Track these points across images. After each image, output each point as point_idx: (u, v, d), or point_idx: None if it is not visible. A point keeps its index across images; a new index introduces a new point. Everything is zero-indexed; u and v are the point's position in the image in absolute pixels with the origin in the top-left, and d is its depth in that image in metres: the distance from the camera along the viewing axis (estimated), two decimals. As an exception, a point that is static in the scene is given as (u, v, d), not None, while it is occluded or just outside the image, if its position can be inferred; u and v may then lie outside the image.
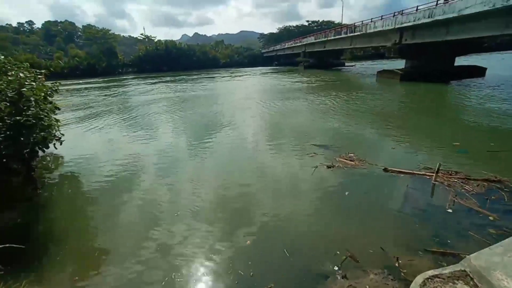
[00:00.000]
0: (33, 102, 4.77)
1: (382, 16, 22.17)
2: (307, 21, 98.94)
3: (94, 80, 45.01)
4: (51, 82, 7.82)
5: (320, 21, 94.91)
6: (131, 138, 9.46)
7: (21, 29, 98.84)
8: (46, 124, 4.63)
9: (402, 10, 19.84)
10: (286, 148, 7.50)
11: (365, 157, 6.46)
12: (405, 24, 19.47)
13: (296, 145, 7.70)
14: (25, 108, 4.72)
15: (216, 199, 4.96)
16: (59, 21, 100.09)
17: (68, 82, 41.56)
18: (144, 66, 61.22)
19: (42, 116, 4.53)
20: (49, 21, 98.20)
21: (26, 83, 5.12)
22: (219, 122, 10.78)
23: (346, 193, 4.90)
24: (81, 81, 43.02)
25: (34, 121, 4.47)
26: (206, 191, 5.25)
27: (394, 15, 20.58)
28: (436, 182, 4.97)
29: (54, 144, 7.28)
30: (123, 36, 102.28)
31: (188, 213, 4.53)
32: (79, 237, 4.19)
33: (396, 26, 20.27)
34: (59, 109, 7.64)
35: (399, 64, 27.24)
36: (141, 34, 73.76)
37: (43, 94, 6.75)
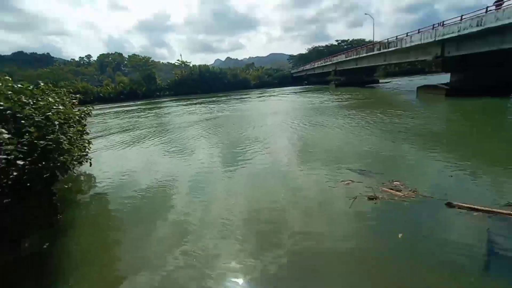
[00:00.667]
0: (57, 126, 4.77)
1: (419, 29, 20.76)
2: (337, 40, 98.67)
3: (134, 103, 48.93)
4: (85, 106, 8.30)
5: (350, 40, 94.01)
6: (163, 157, 9.43)
7: (81, 62, 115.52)
8: (66, 148, 4.55)
9: (443, 21, 18.32)
10: (317, 174, 6.54)
11: (415, 186, 5.33)
12: (447, 36, 17.83)
13: (328, 170, 6.72)
14: (50, 132, 4.72)
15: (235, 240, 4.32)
16: (110, 53, 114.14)
17: (112, 105, 45.88)
18: (180, 89, 65.36)
19: (62, 140, 4.45)
20: (103, 54, 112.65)
21: (54, 107, 5.22)
22: (244, 143, 10.34)
23: (399, 235, 3.88)
24: (122, 104, 47.09)
25: (54, 145, 4.41)
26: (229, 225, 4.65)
27: (433, 28, 19.08)
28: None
29: (90, 163, 7.51)
30: (162, 62, 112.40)
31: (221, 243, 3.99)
32: (97, 266, 3.91)
33: (437, 39, 18.67)
34: (87, 133, 7.94)
35: (440, 78, 24.91)
36: (178, 60, 79.78)
37: (75, 117, 7.12)
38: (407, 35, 22.45)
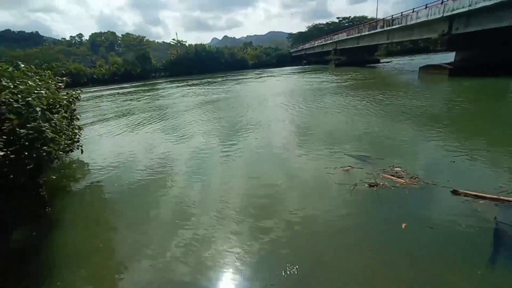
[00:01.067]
0: (39, 113, 4.41)
1: (426, 4, 19.66)
2: (338, 17, 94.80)
3: (129, 84, 47.60)
4: (73, 89, 7.84)
5: (352, 17, 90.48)
6: (159, 142, 9.14)
7: (73, 41, 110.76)
8: (50, 137, 4.22)
9: (453, -5, 17.26)
10: (316, 159, 6.31)
11: (417, 172, 5.14)
12: (457, 11, 16.89)
13: (327, 155, 6.50)
14: (31, 119, 4.36)
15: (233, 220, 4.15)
16: (103, 32, 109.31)
17: (106, 87, 44.68)
18: (176, 69, 63.47)
19: (44, 128, 4.10)
20: (95, 33, 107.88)
21: (36, 91, 4.82)
22: (241, 126, 10.01)
23: (403, 225, 3.72)
24: (117, 86, 45.82)
25: (36, 134, 4.08)
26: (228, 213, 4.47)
27: (442, 2, 18.03)
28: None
29: (82, 150, 7.25)
30: (157, 42, 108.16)
31: (218, 233, 3.80)
32: (88, 257, 3.79)
33: (445, 14, 17.72)
34: (78, 119, 7.56)
35: (444, 58, 24.07)
36: (173, 40, 76.79)
37: (62, 102, 6.71)
38: (413, 11, 21.32)
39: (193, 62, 64.84)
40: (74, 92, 7.53)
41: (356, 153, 6.42)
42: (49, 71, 7.07)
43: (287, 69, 54.56)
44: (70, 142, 6.20)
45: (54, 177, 6.00)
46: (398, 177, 5.01)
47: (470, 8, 16.03)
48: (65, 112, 6.38)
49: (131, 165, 7.18)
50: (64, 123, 5.32)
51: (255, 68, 66.23)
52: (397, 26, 23.72)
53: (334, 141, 7.48)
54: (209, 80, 40.33)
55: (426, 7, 19.70)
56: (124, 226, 4.48)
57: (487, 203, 4.06)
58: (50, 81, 6.72)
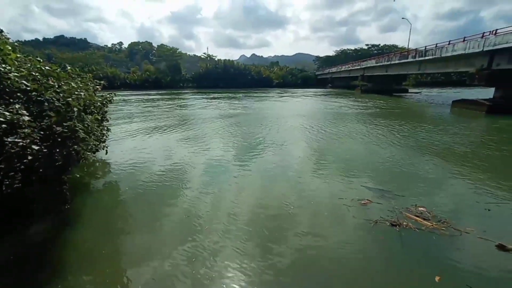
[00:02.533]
0: (75, 113, 4.59)
1: (464, 37, 19.06)
2: (367, 44, 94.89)
3: (157, 92, 50.03)
4: (108, 92, 8.25)
5: (381, 45, 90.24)
6: (179, 149, 9.29)
7: (113, 48, 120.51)
8: (81, 137, 4.35)
9: (496, 30, 16.62)
10: (331, 189, 5.89)
11: (444, 215, 4.63)
12: (499, 46, 16.15)
13: (343, 184, 6.10)
14: (67, 118, 4.54)
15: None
16: (140, 41, 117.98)
17: (136, 93, 47.26)
18: (203, 82, 66.05)
19: (78, 128, 4.24)
20: (133, 42, 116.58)
21: (76, 93, 5.06)
22: (257, 143, 9.89)
23: (437, 278, 3.26)
24: (146, 92, 48.28)
25: (70, 133, 4.21)
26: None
27: (483, 36, 17.39)
28: None
29: (106, 151, 7.52)
30: (188, 54, 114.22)
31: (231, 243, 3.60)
32: (101, 256, 3.79)
33: (485, 49, 17.01)
34: (107, 120, 7.86)
35: (479, 93, 22.86)
36: (204, 53, 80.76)
37: (96, 103, 7.05)
38: (449, 43, 20.74)
39: (220, 76, 67.25)
40: (108, 95, 7.91)
41: (374, 186, 6.00)
42: (90, 74, 7.53)
43: (312, 90, 54.70)
44: (98, 143, 6.39)
45: (78, 175, 6.16)
46: (424, 219, 4.54)
47: (515, 44, 15.28)
48: (98, 113, 6.66)
49: (149, 169, 7.27)
50: (95, 124, 5.52)
51: (280, 87, 67.18)
52: (431, 57, 23.13)
53: (351, 170, 7.06)
54: (234, 95, 41.37)
55: (464, 40, 19.09)
56: (135, 231, 4.42)
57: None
58: (89, 83, 7.13)
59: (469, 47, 18.48)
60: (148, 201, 5.42)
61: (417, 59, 25.61)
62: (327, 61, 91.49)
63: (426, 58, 23.94)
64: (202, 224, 4.51)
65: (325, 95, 41.07)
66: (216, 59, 76.78)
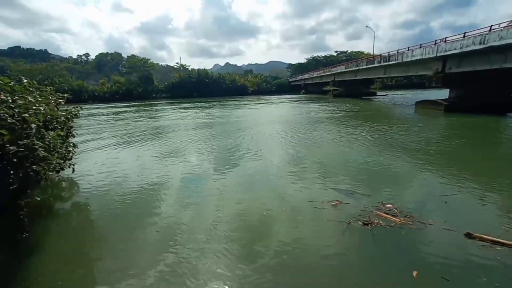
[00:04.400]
0: (33, 130, 4.17)
1: (421, 44, 20.81)
2: (336, 51, 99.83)
3: (129, 103, 48.05)
4: (74, 106, 7.69)
5: (349, 51, 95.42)
6: (152, 163, 8.80)
7: (79, 60, 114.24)
8: (41, 156, 3.94)
9: (446, 37, 18.37)
10: (303, 192, 5.96)
11: (409, 210, 4.86)
12: (449, 52, 17.84)
13: (315, 188, 6.17)
14: (24, 136, 4.11)
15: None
16: (109, 52, 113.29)
17: (106, 105, 44.98)
18: (177, 92, 64.71)
19: (36, 147, 3.84)
20: (101, 53, 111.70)
21: (34, 107, 4.63)
22: (232, 151, 9.80)
23: (414, 273, 3.35)
24: (117, 104, 46.17)
25: (27, 152, 3.80)
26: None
27: (435, 43, 19.11)
28: None
29: (73, 169, 6.94)
30: (160, 64, 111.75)
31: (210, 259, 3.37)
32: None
33: (439, 54, 18.69)
34: (73, 136, 7.32)
35: (438, 94, 24.98)
36: (177, 63, 79.74)
37: (60, 119, 6.51)
38: (408, 49, 22.51)
39: (194, 85, 66.42)
40: (73, 109, 7.37)
41: (344, 186, 6.18)
42: (50, 87, 6.97)
43: (286, 97, 55.96)
44: (62, 161, 5.88)
45: (39, 198, 5.58)
46: (393, 216, 4.70)
47: (461, 50, 16.97)
48: (62, 129, 6.16)
49: (121, 186, 6.79)
50: (58, 141, 5.07)
51: (255, 95, 67.92)
52: (394, 62, 24.89)
53: (324, 173, 7.20)
54: (209, 104, 40.97)
55: (420, 47, 20.83)
56: (107, 255, 4.04)
57: (506, 250, 3.77)
58: (50, 97, 6.58)
59: (425, 53, 20.19)
60: (122, 221, 5.04)
61: (382, 64, 27.41)
62: (300, 68, 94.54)
63: (390, 63, 25.71)
64: (181, 241, 4.26)
65: (299, 100, 42.22)
66: (189, 68, 76.06)
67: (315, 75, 57.42)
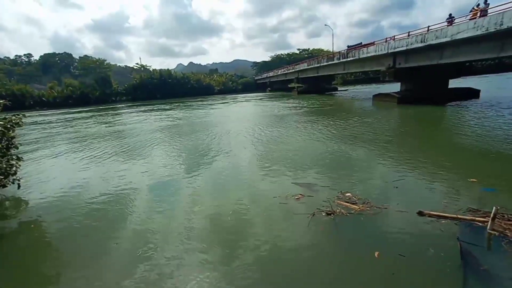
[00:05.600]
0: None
1: (374, 42, 22.50)
2: (298, 49, 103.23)
3: (85, 108, 44.21)
4: (14, 113, 6.83)
5: (310, 49, 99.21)
6: (111, 168, 8.22)
7: (18, 61, 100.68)
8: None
9: (394, 36, 20.11)
10: (267, 188, 6.12)
11: (367, 197, 5.25)
12: (398, 49, 19.58)
13: (278, 184, 6.37)
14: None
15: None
16: (57, 53, 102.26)
17: (57, 111, 40.77)
18: (138, 94, 61.30)
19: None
20: (48, 53, 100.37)
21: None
22: (197, 153, 9.64)
23: (376, 254, 3.64)
24: (70, 110, 42.15)
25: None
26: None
27: (386, 41, 20.82)
28: (494, 232, 3.82)
29: (18, 185, 6.17)
30: (119, 65, 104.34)
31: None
32: None
33: (389, 51, 20.39)
34: (16, 148, 6.52)
35: (391, 87, 27.34)
36: (137, 64, 75.35)
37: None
38: (363, 46, 24.16)
39: (157, 86, 63.49)
40: (13, 117, 6.54)
41: (306, 179, 6.47)
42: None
43: (252, 95, 56.42)
44: (2, 177, 5.19)
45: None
46: (352, 204, 5.02)
47: (407, 47, 18.74)
48: (0, 140, 5.43)
49: (80, 200, 6.22)
50: (-4, 154, 4.45)
51: (221, 94, 67.30)
52: (351, 58, 26.52)
53: (286, 168, 7.44)
54: (173, 105, 39.54)
55: (374, 44, 22.51)
56: (67, 274, 3.70)
57: (448, 222, 4.29)
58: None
59: (378, 50, 21.89)
60: (82, 237, 4.61)
61: (341, 60, 29.02)
62: (264, 66, 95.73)
63: (348, 59, 27.34)
64: (155, 248, 4.07)
65: (266, 98, 42.87)
66: (151, 69, 72.57)
67: (279, 73, 58.70)
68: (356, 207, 4.86)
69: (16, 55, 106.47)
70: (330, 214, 4.68)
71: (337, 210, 4.77)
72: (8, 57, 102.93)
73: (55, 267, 3.97)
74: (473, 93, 21.96)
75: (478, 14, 14.53)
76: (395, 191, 5.59)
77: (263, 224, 4.63)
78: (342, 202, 5.08)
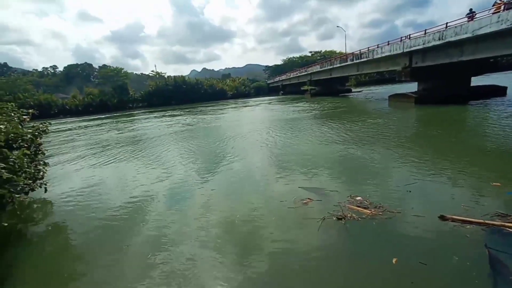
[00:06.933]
0: (-6, 150, 3.88)
1: (389, 41, 21.95)
2: (310, 51, 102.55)
3: (104, 115, 46.13)
4: (42, 122, 7.26)
5: (323, 51, 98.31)
6: (130, 173, 8.51)
7: (45, 73, 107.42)
8: (5, 178, 3.67)
9: (410, 34, 19.53)
10: (275, 193, 6.05)
11: (379, 201, 5.04)
12: (414, 48, 18.97)
13: (284, 187, 6.30)
14: (-16, 157, 3.82)
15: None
16: (78, 63, 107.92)
17: (78, 119, 42.85)
18: (154, 100, 63.07)
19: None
20: (70, 65, 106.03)
21: (-6, 126, 4.31)
22: (218, 159, 9.75)
23: (394, 260, 3.49)
24: (90, 117, 44.14)
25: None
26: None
27: (401, 40, 20.26)
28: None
29: (45, 189, 6.50)
30: (135, 73, 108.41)
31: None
32: None
33: (405, 50, 19.81)
34: (43, 154, 6.90)
35: (408, 87, 26.46)
36: (152, 71, 77.83)
37: (26, 136, 6.11)
38: (378, 47, 23.63)
39: (172, 93, 65.11)
40: (41, 125, 6.95)
41: (315, 183, 6.35)
42: (12, 103, 6.53)
43: (265, 99, 56.47)
44: (31, 181, 5.51)
45: (6, 224, 5.17)
46: (364, 208, 4.85)
47: (424, 46, 18.12)
48: (29, 147, 5.78)
49: (101, 203, 6.47)
50: (25, 160, 4.74)
51: (234, 98, 67.92)
52: (365, 59, 26.00)
53: (299, 172, 7.33)
54: (188, 110, 40.35)
55: (388, 44, 21.96)
56: (90, 281, 3.81)
57: (474, 227, 4.05)
58: (13, 114, 6.17)
59: (393, 49, 21.32)
60: (103, 241, 4.77)
61: (355, 61, 28.53)
62: (277, 69, 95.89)
63: (362, 60, 26.83)
64: (169, 253, 4.13)
65: (279, 102, 42.78)
66: (165, 76, 74.57)
67: (292, 76, 58.50)
68: (368, 211, 4.71)
69: (43, 67, 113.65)
70: (341, 219, 4.56)
71: (349, 215, 4.64)
72: (36, 69, 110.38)
73: (78, 268, 4.11)
74: (499, 90, 20.79)
75: (502, 8, 13.81)
76: (409, 195, 5.34)
77: (274, 229, 4.56)
78: (353, 207, 4.93)
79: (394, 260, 3.46)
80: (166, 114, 35.67)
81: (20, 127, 5.69)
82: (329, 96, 40.15)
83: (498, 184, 5.39)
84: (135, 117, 36.69)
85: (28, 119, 6.39)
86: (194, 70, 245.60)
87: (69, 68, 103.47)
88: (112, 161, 11.00)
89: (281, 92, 69.80)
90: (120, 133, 20.41)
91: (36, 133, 6.70)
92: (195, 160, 9.96)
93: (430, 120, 14.51)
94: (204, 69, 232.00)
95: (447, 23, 16.30)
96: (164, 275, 3.63)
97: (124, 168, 9.69)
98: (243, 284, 3.37)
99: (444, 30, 16.41)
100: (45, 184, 6.66)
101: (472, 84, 21.49)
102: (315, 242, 4.05)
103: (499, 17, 13.07)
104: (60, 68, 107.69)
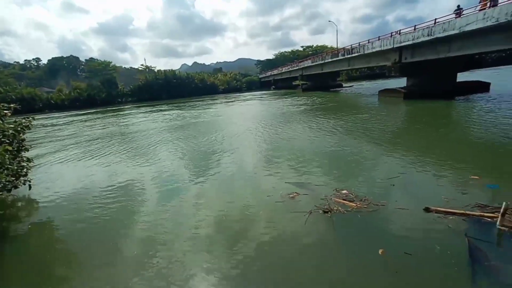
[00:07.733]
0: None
1: (379, 36, 22.13)
2: (302, 46, 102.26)
3: (93, 110, 44.94)
4: (24, 117, 7.00)
5: (314, 46, 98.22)
6: (119, 169, 8.32)
7: (28, 65, 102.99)
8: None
9: (400, 30, 19.74)
10: (263, 184, 6.14)
11: (364, 194, 5.17)
12: (404, 43, 19.21)
13: (271, 181, 6.36)
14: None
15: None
16: (64, 56, 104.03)
17: (65, 114, 41.59)
18: (144, 94, 61.86)
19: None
20: (55, 57, 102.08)
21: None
22: (209, 155, 9.71)
23: (380, 251, 3.59)
24: (76, 112, 42.92)
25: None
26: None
27: (391, 35, 20.46)
28: (503, 228, 3.75)
29: (30, 186, 6.33)
30: (124, 67, 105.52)
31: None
32: None
33: (395, 46, 20.03)
34: (27, 150, 6.68)
35: (397, 82, 26.89)
36: (141, 65, 75.93)
37: (8, 132, 5.89)
38: (368, 42, 23.79)
39: (162, 87, 63.96)
40: (23, 120, 6.70)
41: (302, 177, 6.44)
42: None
43: (257, 93, 56.29)
44: (14, 178, 5.33)
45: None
46: (350, 201, 4.96)
47: (414, 41, 18.36)
48: (11, 143, 5.58)
49: (89, 200, 6.36)
50: (7, 156, 4.58)
51: (226, 93, 67.36)
52: (356, 54, 26.16)
53: (283, 166, 7.45)
54: (179, 104, 39.82)
55: (379, 39, 22.14)
56: (78, 275, 3.78)
57: (456, 218, 4.21)
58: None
59: (383, 45, 21.52)
60: (89, 239, 4.70)
61: (346, 56, 28.66)
62: (268, 64, 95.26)
63: (353, 55, 26.98)
64: (160, 248, 4.12)
65: (270, 96, 42.71)
66: (155, 70, 72.92)
67: (283, 70, 58.34)
68: (354, 204, 4.81)
69: (25, 60, 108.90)
70: (327, 212, 4.64)
71: (335, 208, 4.73)
72: (17, 62, 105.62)
73: (64, 267, 4.05)
74: (483, 86, 21.38)
75: (488, 5, 14.11)
76: (393, 188, 5.47)
77: (262, 223, 4.61)
78: (339, 200, 5.03)
79: (380, 251, 3.56)
80: (156, 109, 35.08)
81: (1, 122, 5.46)
82: (321, 91, 40.35)
83: (477, 177, 5.58)
84: (124, 112, 35.88)
85: (9, 114, 6.14)
86: (185, 64, 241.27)
87: (53, 61, 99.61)
88: (101, 157, 10.77)
89: (273, 86, 69.61)
90: (109, 128, 19.94)
91: (19, 129, 6.46)
92: (182, 157, 9.86)
93: (416, 115, 14.87)
94: (195, 63, 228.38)
95: (435, 19, 16.54)
96: (153, 267, 3.62)
97: (117, 164, 9.51)
98: (232, 273, 3.41)
99: (433, 26, 16.65)
100: (29, 181, 6.48)
101: (458, 80, 22.03)
102: (302, 235, 4.12)
103: (484, 14, 13.36)
104: (44, 61, 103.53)
